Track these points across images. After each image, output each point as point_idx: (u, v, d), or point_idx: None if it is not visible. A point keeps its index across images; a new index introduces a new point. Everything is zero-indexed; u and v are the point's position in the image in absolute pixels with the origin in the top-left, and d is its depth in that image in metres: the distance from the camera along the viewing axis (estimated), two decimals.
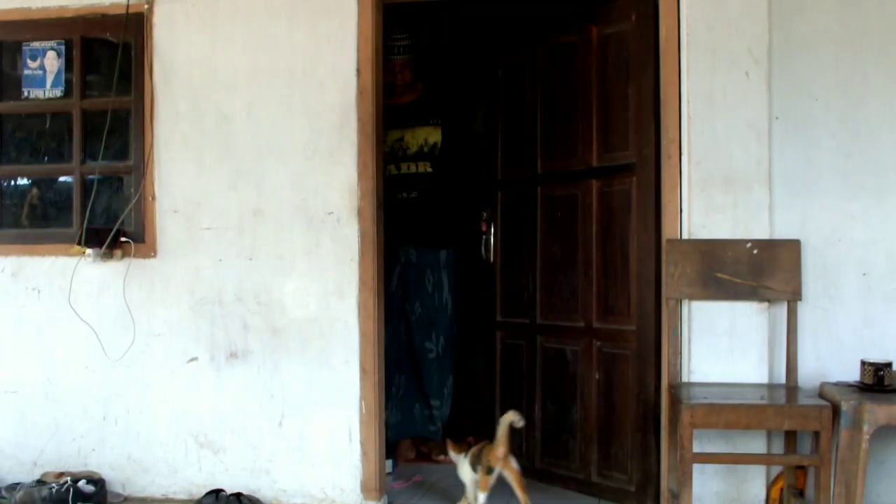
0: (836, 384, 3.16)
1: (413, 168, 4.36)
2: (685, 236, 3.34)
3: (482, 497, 3.31)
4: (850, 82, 3.33)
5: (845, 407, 2.89)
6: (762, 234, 3.30)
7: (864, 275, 3.33)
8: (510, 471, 3.30)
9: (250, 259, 3.68)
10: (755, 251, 3.28)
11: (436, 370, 4.37)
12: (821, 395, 3.11)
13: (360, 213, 3.59)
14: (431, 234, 4.38)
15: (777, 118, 3.34)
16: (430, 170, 4.35)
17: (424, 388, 4.42)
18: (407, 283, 4.37)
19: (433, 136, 4.35)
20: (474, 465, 3.41)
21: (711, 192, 3.32)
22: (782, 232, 3.33)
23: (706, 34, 3.34)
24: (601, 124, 3.73)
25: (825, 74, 3.34)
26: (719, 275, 3.29)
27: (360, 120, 3.59)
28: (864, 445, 2.84)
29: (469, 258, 4.44)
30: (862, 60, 3.33)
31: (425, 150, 4.33)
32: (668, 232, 3.36)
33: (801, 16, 3.34)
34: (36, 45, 3.93)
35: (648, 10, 3.49)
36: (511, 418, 3.29)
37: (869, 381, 3.04)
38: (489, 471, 3.30)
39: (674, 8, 3.38)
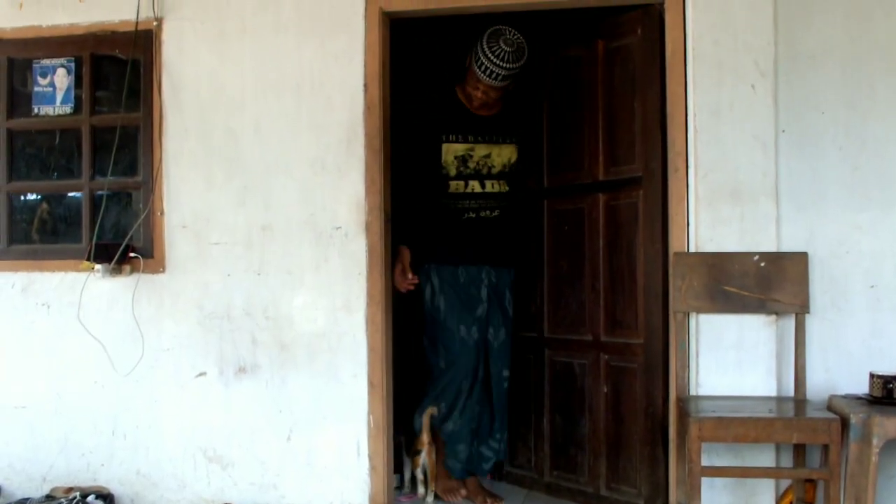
0: (845, 397, 3.15)
1: (497, 187, 3.98)
2: (692, 249, 3.34)
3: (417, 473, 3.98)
4: (857, 95, 3.34)
5: (854, 420, 2.88)
6: (769, 246, 3.30)
7: (872, 287, 3.32)
8: (428, 458, 3.90)
9: (258, 274, 3.70)
10: (762, 264, 3.28)
11: (506, 401, 4.02)
12: (829, 408, 3.10)
13: (367, 227, 3.60)
14: (506, 252, 4.06)
15: (783, 131, 3.34)
16: (507, 188, 4.01)
17: (493, 423, 4.02)
18: (491, 308, 3.98)
19: (514, 154, 4.02)
20: (407, 451, 4.04)
21: (718, 205, 3.32)
22: (789, 244, 3.33)
23: (712, 48, 3.35)
24: (607, 138, 3.74)
25: (831, 87, 3.34)
26: (727, 288, 3.29)
27: (367, 135, 3.61)
28: (874, 459, 2.84)
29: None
30: (868, 73, 3.34)
31: (507, 168, 3.99)
32: (675, 245, 3.36)
33: (807, 29, 3.35)
34: (46, 62, 3.96)
35: (654, 24, 3.50)
36: (431, 411, 3.89)
37: (878, 393, 3.04)
38: (416, 453, 3.93)
39: (680, 22, 3.39)
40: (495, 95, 3.86)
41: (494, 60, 3.69)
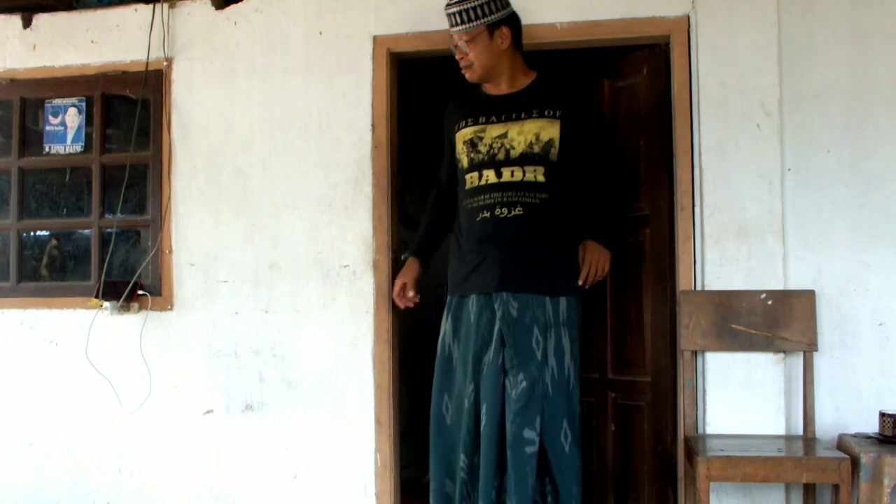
0: (855, 436, 3.13)
1: (519, 175, 3.12)
2: (699, 287, 3.34)
3: None
4: (861, 133, 3.35)
5: (865, 460, 2.86)
6: (776, 284, 3.30)
7: (881, 324, 3.31)
8: None
9: (266, 312, 3.70)
10: (770, 302, 3.28)
11: (530, 472, 2.99)
12: (839, 448, 3.09)
13: (375, 265, 3.61)
14: (541, 271, 3.13)
15: (789, 169, 3.35)
16: (542, 178, 3.13)
17: (503, 496, 3.06)
18: (505, 347, 3.07)
19: (547, 130, 3.13)
20: None
21: (725, 244, 3.33)
22: (797, 282, 3.33)
23: (718, 87, 3.37)
24: None
25: (836, 126, 3.35)
26: (734, 326, 3.28)
27: (375, 174, 3.63)
28: (886, 499, 2.81)
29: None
30: (872, 111, 3.35)
31: (535, 148, 3.12)
32: (682, 283, 3.36)
33: (811, 68, 3.37)
34: (58, 102, 4.01)
35: (660, 63, 3.53)
36: None
37: (889, 432, 3.01)
38: None
39: (685, 62, 3.42)
40: (473, 55, 3.19)
41: (446, 6, 3.22)
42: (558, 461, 3.06)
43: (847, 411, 3.29)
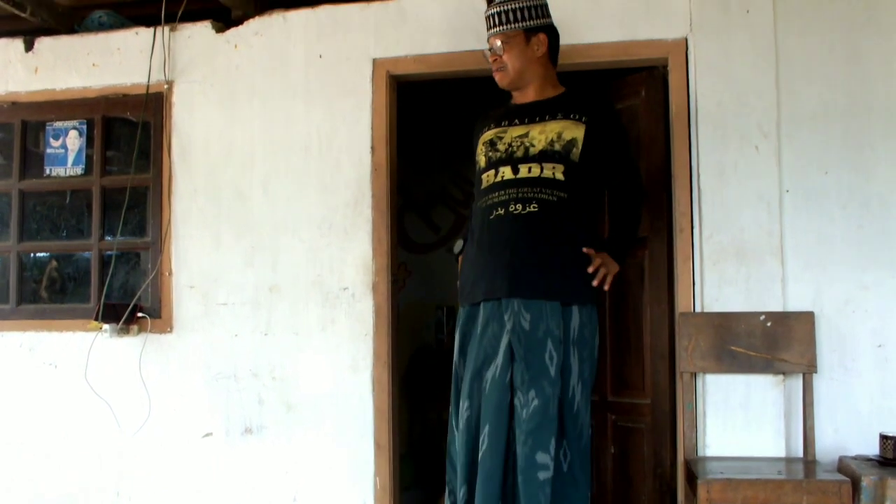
0: (856, 458, 3.12)
1: (536, 171, 2.98)
2: (698, 309, 3.34)
3: None
4: (859, 154, 3.35)
5: (866, 482, 2.85)
6: (775, 305, 3.30)
7: (880, 346, 3.30)
8: None
9: (266, 334, 3.70)
10: (769, 323, 3.28)
11: (544, 500, 2.76)
12: (840, 470, 3.07)
13: (374, 288, 3.61)
14: (554, 271, 2.94)
15: (787, 191, 3.35)
16: (560, 176, 2.97)
17: None
18: (514, 362, 2.86)
19: (571, 131, 3.02)
20: None
21: (724, 265, 3.33)
22: (796, 304, 3.32)
23: (716, 109, 3.39)
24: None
25: (834, 147, 3.35)
26: (733, 348, 3.28)
27: (374, 196, 3.64)
28: None
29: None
30: (870, 132, 3.35)
31: (556, 146, 2.99)
32: (681, 305, 3.36)
33: (809, 90, 3.37)
34: (59, 124, 4.03)
35: (658, 85, 3.54)
36: None
37: (890, 455, 3.00)
38: None
39: (683, 84, 3.43)
40: (507, 58, 3.10)
41: (485, 10, 3.17)
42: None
43: (847, 433, 3.28)
